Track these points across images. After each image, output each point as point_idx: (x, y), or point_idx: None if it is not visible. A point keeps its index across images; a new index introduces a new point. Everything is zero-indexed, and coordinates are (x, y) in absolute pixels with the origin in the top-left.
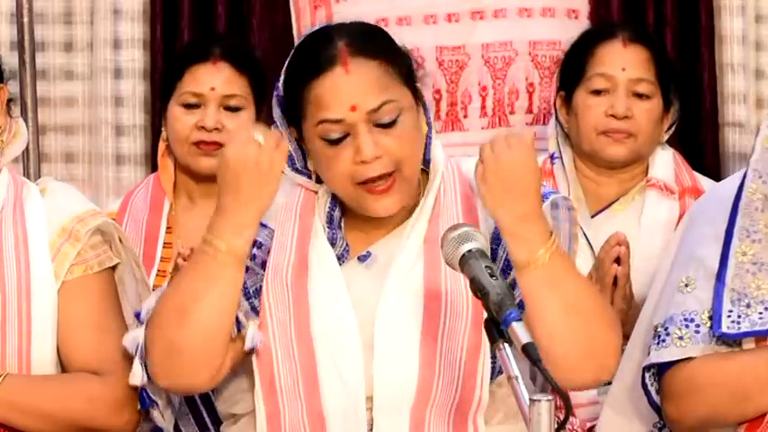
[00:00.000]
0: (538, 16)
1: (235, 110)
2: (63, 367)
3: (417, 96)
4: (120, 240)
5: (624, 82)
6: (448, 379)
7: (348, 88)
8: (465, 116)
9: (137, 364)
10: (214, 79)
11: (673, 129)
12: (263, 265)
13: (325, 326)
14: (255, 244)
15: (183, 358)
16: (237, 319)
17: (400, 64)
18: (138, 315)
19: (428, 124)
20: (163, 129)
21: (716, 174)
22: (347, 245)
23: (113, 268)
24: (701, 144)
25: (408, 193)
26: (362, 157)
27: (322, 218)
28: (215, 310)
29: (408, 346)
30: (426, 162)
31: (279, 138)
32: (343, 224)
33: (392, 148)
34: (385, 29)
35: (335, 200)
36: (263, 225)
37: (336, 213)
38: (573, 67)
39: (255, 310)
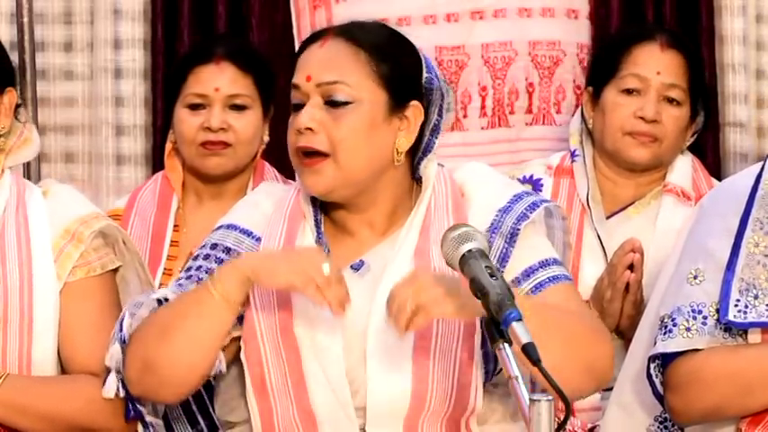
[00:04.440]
0: (538, 16)
1: (240, 109)
2: (63, 369)
3: (400, 110)
4: (124, 242)
5: (657, 86)
6: (441, 392)
7: (313, 59)
8: (465, 116)
9: (112, 377)
10: (218, 79)
11: (694, 137)
12: None
13: (308, 326)
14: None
15: (156, 377)
16: None
17: (387, 67)
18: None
19: (429, 143)
20: (171, 129)
21: (716, 173)
22: (329, 251)
23: (115, 270)
24: (702, 144)
25: (346, 184)
26: (296, 125)
27: (311, 221)
28: (197, 340)
29: (401, 361)
30: (419, 178)
31: (341, 296)
32: (326, 227)
33: (331, 129)
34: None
35: (316, 203)
36: (248, 233)
37: (319, 217)
38: (605, 64)
39: (241, 320)
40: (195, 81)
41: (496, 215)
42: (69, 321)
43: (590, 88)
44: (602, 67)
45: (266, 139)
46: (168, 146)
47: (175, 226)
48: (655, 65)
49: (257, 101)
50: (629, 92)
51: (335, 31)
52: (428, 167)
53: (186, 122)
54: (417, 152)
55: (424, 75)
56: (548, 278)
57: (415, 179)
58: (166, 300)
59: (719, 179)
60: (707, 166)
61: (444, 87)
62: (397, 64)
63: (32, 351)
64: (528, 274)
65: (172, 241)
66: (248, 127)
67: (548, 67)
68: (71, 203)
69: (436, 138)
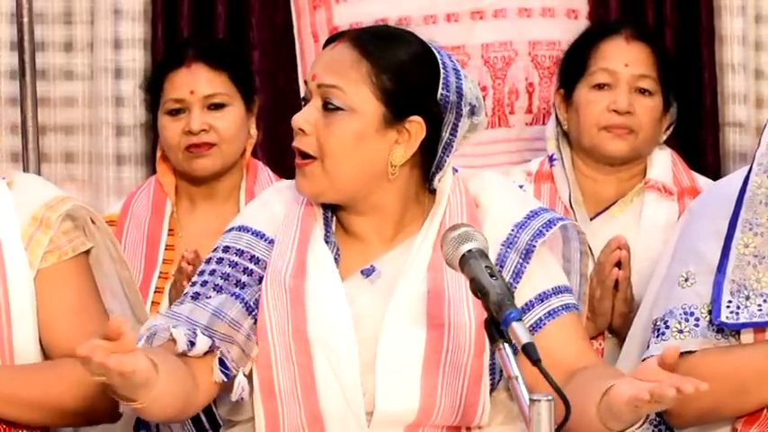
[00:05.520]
0: (538, 16)
1: (219, 107)
2: (45, 355)
3: (398, 123)
4: (93, 222)
5: (627, 78)
6: (449, 407)
7: (322, 59)
8: None
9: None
10: (192, 82)
11: (670, 130)
12: (261, 279)
13: (322, 328)
14: (253, 259)
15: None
16: (225, 364)
17: (388, 80)
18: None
19: (440, 160)
20: (159, 137)
21: (716, 173)
22: (338, 249)
23: (87, 252)
24: (701, 144)
25: (333, 188)
26: (292, 122)
27: (320, 222)
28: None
29: (410, 373)
30: (432, 189)
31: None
32: (337, 229)
33: (321, 132)
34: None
35: (327, 205)
36: (260, 235)
37: (329, 216)
38: (574, 64)
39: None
40: (171, 87)
41: (512, 230)
42: (47, 307)
43: (561, 90)
44: (572, 66)
45: (253, 132)
46: (158, 152)
47: (170, 230)
48: (622, 57)
49: (236, 97)
50: (600, 87)
51: (350, 36)
52: (442, 181)
53: (168, 129)
54: (431, 166)
55: (439, 91)
56: (560, 306)
57: (429, 190)
58: None
59: (719, 179)
60: (707, 165)
61: (469, 106)
62: (401, 77)
63: (13, 341)
64: (542, 298)
65: (167, 245)
66: (230, 124)
67: (548, 67)
68: (36, 190)
69: (448, 155)
